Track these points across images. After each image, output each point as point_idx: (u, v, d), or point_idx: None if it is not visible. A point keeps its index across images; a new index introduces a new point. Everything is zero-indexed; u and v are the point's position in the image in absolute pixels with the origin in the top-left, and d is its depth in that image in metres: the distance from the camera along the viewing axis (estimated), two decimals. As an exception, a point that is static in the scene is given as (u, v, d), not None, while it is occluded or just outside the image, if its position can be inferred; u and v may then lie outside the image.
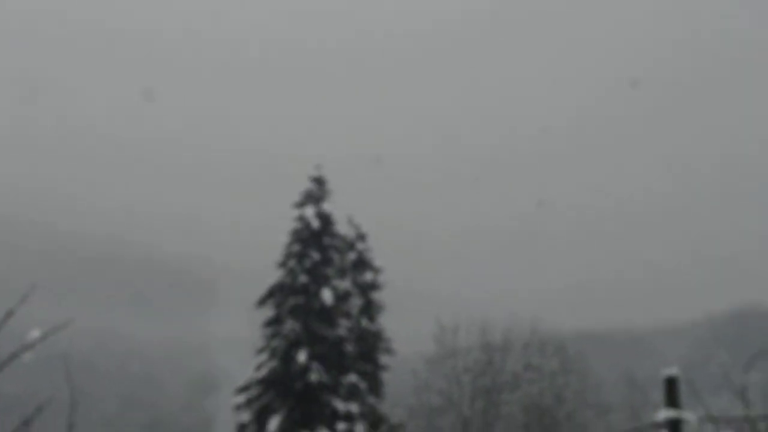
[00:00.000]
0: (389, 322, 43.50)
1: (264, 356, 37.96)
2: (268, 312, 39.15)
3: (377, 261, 43.66)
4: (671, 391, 15.67)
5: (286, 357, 37.42)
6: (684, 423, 15.44)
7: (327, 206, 39.48)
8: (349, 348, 38.27)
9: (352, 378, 38.01)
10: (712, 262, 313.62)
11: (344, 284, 39.35)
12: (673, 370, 15.71)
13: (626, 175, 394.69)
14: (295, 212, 39.22)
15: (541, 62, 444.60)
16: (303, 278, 37.91)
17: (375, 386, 41.83)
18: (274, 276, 39.02)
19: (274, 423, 36.56)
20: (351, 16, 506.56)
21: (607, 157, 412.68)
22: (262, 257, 43.40)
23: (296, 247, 38.77)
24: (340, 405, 36.95)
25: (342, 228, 41.69)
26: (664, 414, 15.31)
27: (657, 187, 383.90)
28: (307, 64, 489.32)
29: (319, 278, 38.34)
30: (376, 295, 43.26)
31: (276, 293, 38.77)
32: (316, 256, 38.49)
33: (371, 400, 41.80)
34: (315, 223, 38.72)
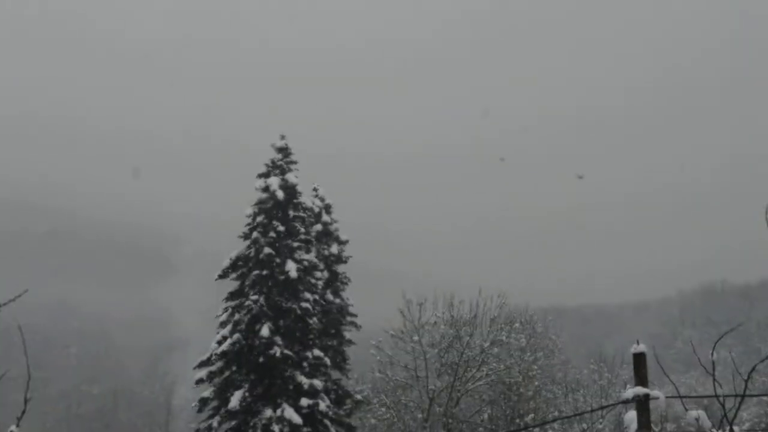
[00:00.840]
0: (355, 297, 42.96)
1: (226, 330, 37.24)
2: (231, 284, 38.45)
3: (343, 234, 43.03)
4: (639, 369, 15.28)
5: (249, 330, 36.75)
6: (652, 400, 15.05)
7: (292, 177, 38.71)
8: (314, 322, 37.59)
9: (316, 352, 37.37)
10: (683, 242, 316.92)
11: (309, 257, 38.62)
12: (641, 347, 15.32)
13: (599, 165, 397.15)
14: (260, 182, 38.43)
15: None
16: (267, 250, 37.16)
17: (339, 361, 41.29)
18: (237, 247, 38.28)
19: (236, 398, 35.94)
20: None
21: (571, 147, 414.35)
22: (226, 229, 42.72)
23: (260, 219, 38.02)
24: (304, 380, 36.33)
25: (307, 200, 41.01)
26: (632, 391, 14.93)
27: (627, 174, 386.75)
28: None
29: (283, 250, 37.63)
30: (342, 269, 42.65)
31: (239, 265, 38.04)
32: (280, 227, 37.74)
33: (336, 375, 41.27)
34: (280, 194, 37.95)
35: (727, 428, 9.82)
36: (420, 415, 41.66)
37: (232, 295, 38.14)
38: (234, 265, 38.04)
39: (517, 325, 46.80)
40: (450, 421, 41.44)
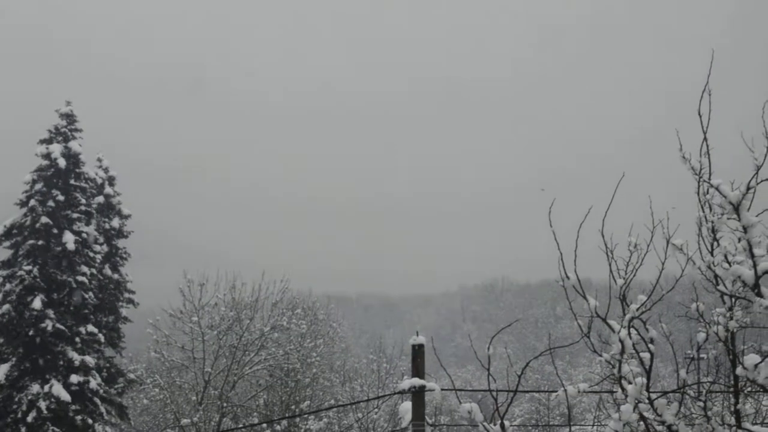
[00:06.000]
0: (135, 273, 41.91)
1: (-5, 300, 35.68)
2: (4, 253, 36.90)
3: (126, 208, 41.91)
4: (417, 359, 15.31)
5: (20, 302, 35.28)
6: (428, 392, 15.08)
7: (75, 145, 37.39)
8: (90, 296, 36.42)
9: (90, 328, 36.25)
10: (467, 238, 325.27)
11: (89, 229, 37.39)
12: (420, 339, 15.37)
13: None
14: (41, 149, 36.97)
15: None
16: (44, 219, 35.76)
17: (114, 338, 40.22)
18: (13, 215, 36.74)
19: (1, 371, 34.48)
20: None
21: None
22: (2, 194, 40.89)
23: (39, 186, 36.57)
24: (76, 356, 35.16)
25: (91, 170, 39.69)
26: (408, 382, 14.95)
27: (423, 173, 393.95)
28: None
29: (61, 221, 36.29)
30: (122, 243, 41.55)
31: (13, 233, 36.50)
32: (60, 197, 36.40)
33: (109, 352, 40.19)
34: (61, 162, 36.58)
35: (499, 422, 9.78)
36: (194, 398, 41.02)
37: (3, 264, 36.58)
38: (8, 233, 36.46)
39: (299, 311, 46.80)
40: (225, 404, 40.98)
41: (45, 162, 36.78)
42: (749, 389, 8.96)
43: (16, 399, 34.64)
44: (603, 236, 8.89)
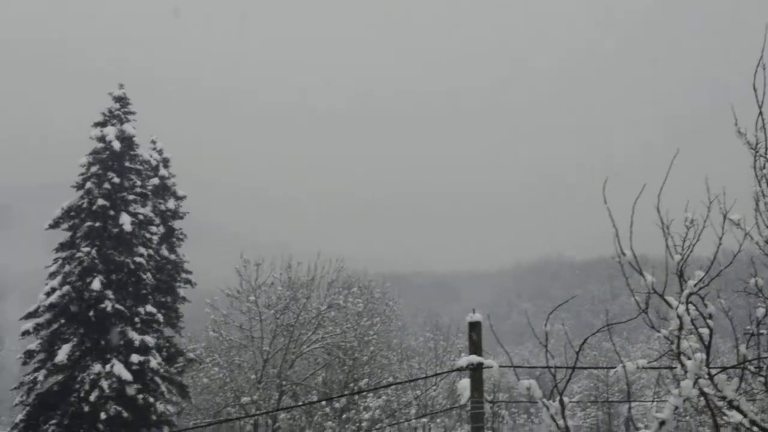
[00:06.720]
0: (191, 254, 42.20)
1: (55, 281, 36.06)
2: (62, 235, 37.28)
3: (181, 189, 42.15)
4: (474, 337, 15.28)
5: (80, 283, 35.66)
6: (486, 369, 15.05)
7: (129, 128, 37.64)
8: (147, 277, 36.73)
9: (149, 308, 36.57)
10: (523, 216, 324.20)
11: (145, 210, 37.67)
12: (477, 316, 15.33)
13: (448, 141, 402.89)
14: (96, 132, 37.24)
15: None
16: (101, 201, 36.07)
17: (173, 318, 40.56)
18: (70, 198, 37.08)
19: (63, 351, 34.89)
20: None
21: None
22: (59, 177, 41.29)
23: (95, 169, 36.87)
24: (135, 336, 35.49)
25: (145, 152, 39.96)
26: (466, 359, 14.92)
27: (471, 152, 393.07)
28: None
29: (117, 202, 36.60)
30: (178, 224, 41.82)
31: (71, 216, 36.86)
32: (115, 179, 36.69)
33: (168, 332, 40.54)
34: (116, 145, 36.85)
35: (558, 398, 9.73)
36: (253, 376, 41.33)
37: (62, 246, 36.96)
38: (66, 216, 36.82)
39: (355, 289, 46.93)
40: (284, 383, 41.23)
41: (100, 145, 37.04)
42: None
43: (79, 378, 35.05)
44: (659, 212, 8.80)
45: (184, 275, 41.33)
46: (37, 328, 36.14)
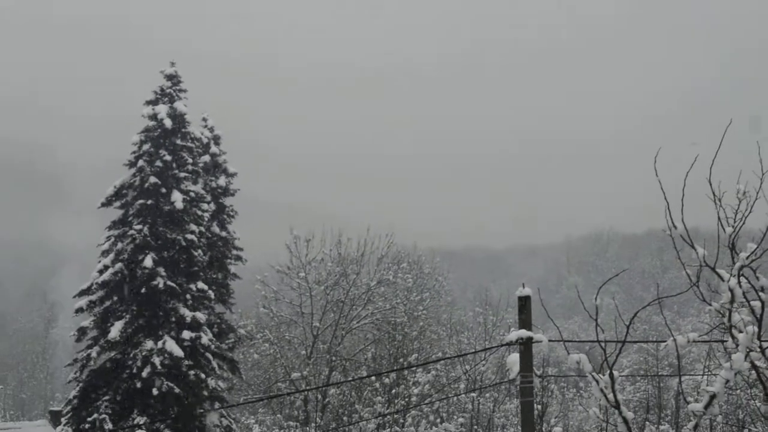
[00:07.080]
0: (242, 230, 42.45)
1: (108, 259, 36.44)
2: (115, 213, 37.64)
3: (231, 166, 42.37)
4: (524, 311, 15.28)
5: (132, 260, 36.03)
6: (535, 344, 15.06)
7: (181, 105, 37.84)
8: (199, 254, 37.02)
9: (200, 285, 36.81)
10: (572, 189, 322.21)
11: (196, 188, 37.93)
12: (526, 291, 15.34)
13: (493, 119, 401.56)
14: (147, 110, 37.49)
15: None
16: (152, 179, 36.36)
17: (224, 295, 40.86)
18: (122, 175, 37.40)
19: (116, 328, 35.24)
20: None
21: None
22: (111, 155, 41.62)
23: (147, 147, 37.15)
24: (187, 312, 35.77)
25: (196, 129, 40.18)
26: (515, 334, 14.94)
27: (519, 122, 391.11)
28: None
29: (169, 180, 36.87)
30: (229, 201, 42.07)
31: (123, 194, 37.21)
32: (167, 157, 36.95)
33: (219, 308, 40.85)
34: (167, 123, 37.08)
35: (607, 372, 9.75)
36: (303, 352, 41.62)
37: (115, 224, 37.32)
38: (118, 194, 37.15)
39: (404, 265, 47.01)
40: (333, 358, 41.48)
41: (151, 123, 37.27)
42: None
43: (131, 355, 35.43)
44: (710, 184, 8.74)
45: (234, 252, 41.59)
46: (90, 305, 36.54)
